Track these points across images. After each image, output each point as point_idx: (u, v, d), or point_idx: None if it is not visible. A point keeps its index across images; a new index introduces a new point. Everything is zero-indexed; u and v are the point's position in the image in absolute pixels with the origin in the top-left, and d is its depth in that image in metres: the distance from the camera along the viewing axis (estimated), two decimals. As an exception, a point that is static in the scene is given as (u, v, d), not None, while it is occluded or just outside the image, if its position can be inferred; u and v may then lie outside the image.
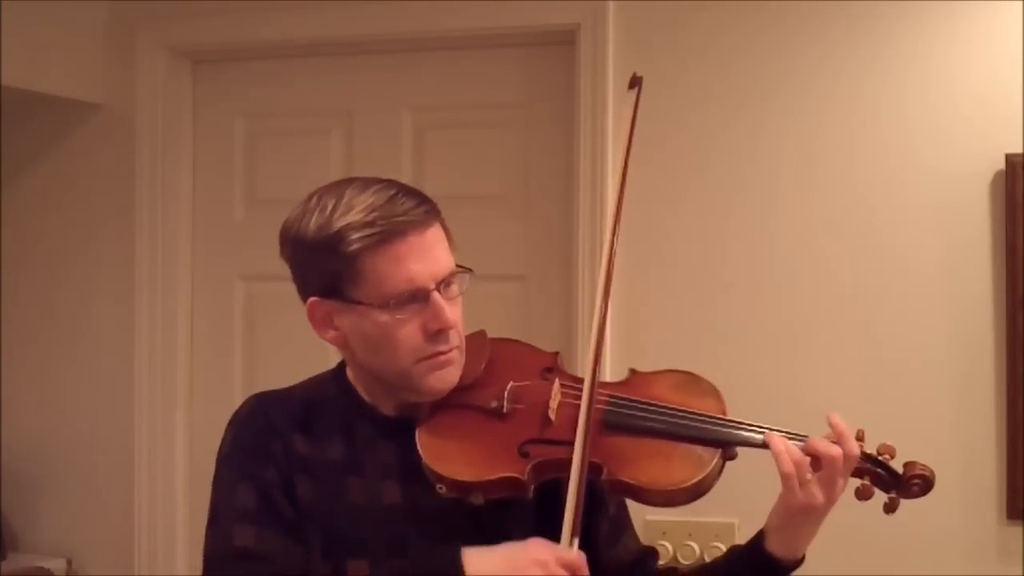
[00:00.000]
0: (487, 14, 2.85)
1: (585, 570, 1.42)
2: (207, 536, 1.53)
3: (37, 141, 3.23)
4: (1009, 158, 2.50)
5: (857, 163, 2.62)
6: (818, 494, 1.48)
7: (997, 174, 2.53)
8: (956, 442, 2.55)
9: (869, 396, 2.58)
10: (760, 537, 1.55)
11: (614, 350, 2.73)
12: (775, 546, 1.53)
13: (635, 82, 1.67)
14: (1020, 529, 2.51)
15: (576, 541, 1.43)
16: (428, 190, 3.20)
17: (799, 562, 1.55)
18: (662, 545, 2.51)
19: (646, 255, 2.74)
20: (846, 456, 1.49)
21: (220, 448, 1.58)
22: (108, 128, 3.15)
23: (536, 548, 1.42)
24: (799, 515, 1.50)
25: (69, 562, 3.14)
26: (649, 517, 2.53)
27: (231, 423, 1.59)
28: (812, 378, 2.62)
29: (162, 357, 3.12)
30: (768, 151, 2.68)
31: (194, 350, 3.18)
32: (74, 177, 3.19)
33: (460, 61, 2.99)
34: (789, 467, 1.48)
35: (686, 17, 2.71)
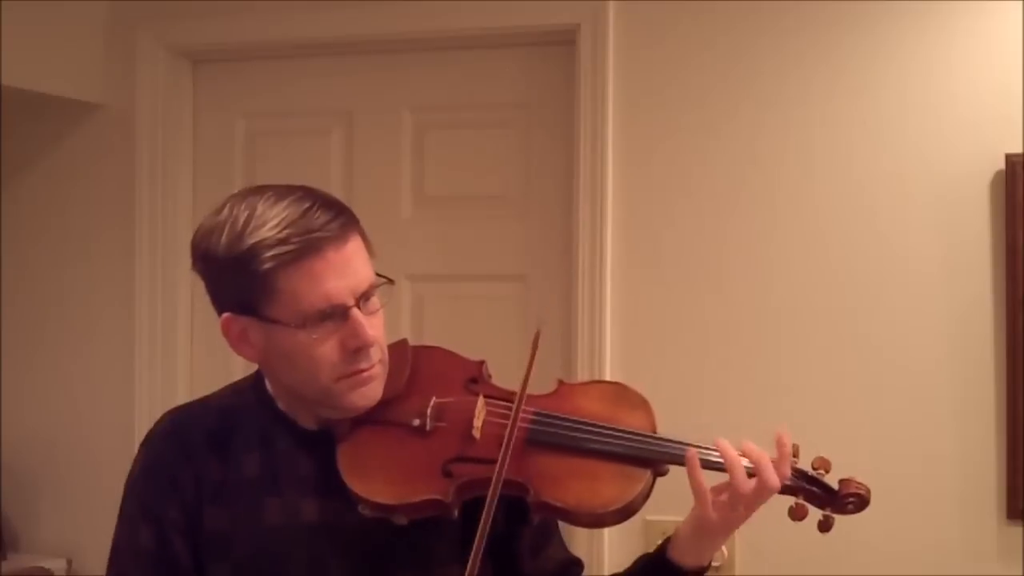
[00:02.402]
0: (487, 14, 2.85)
1: None
2: (107, 569, 1.53)
3: (37, 141, 3.22)
4: (1009, 158, 2.50)
5: (857, 163, 2.62)
6: (738, 512, 1.44)
7: (997, 174, 2.53)
8: (956, 442, 2.55)
9: (869, 396, 2.58)
10: (666, 545, 1.51)
11: (613, 351, 2.73)
12: (682, 554, 1.48)
13: (536, 339, 1.49)
14: (1020, 529, 2.51)
15: None
16: (428, 190, 3.24)
17: (704, 569, 1.50)
18: (662, 545, 2.51)
19: (645, 255, 2.74)
20: (766, 487, 1.43)
21: (132, 470, 1.55)
22: (108, 128, 3.15)
23: None
24: (711, 529, 1.46)
25: (69, 562, 3.14)
26: (649, 517, 2.52)
27: (143, 444, 1.56)
28: (812, 378, 2.62)
29: (162, 357, 3.12)
30: (768, 151, 2.68)
31: (194, 350, 3.18)
32: (74, 177, 3.18)
33: (460, 61, 2.99)
34: (704, 489, 1.43)
35: (686, 17, 2.71)
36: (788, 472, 1.44)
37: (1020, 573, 2.50)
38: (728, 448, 1.45)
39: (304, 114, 3.13)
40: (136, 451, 1.59)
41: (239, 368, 3.11)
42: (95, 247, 3.16)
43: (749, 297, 2.68)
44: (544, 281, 2.92)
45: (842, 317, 2.63)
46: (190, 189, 3.19)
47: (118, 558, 1.52)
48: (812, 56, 2.65)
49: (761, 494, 1.43)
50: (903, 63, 2.59)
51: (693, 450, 1.44)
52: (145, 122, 3.11)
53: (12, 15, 2.87)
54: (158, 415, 3.31)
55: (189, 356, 3.18)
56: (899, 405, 2.57)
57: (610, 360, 2.71)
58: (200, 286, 3.30)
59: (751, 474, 1.44)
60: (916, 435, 2.55)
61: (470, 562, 1.33)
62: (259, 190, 1.47)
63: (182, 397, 3.14)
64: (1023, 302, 2.50)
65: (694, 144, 2.71)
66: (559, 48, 2.86)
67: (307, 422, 1.53)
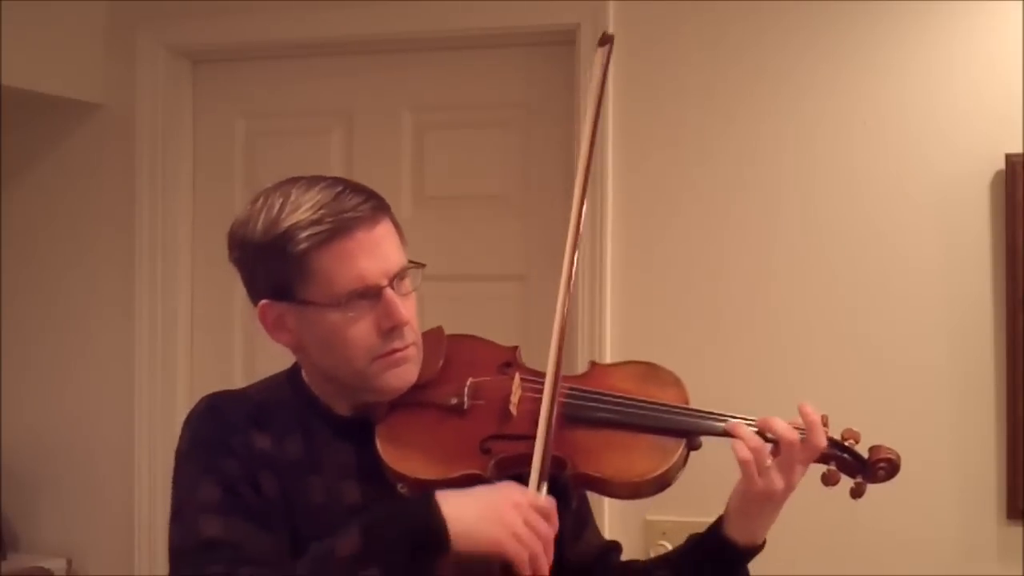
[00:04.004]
0: (487, 14, 2.85)
1: (555, 517, 1.40)
2: (171, 532, 1.47)
3: (37, 141, 3.22)
4: (1009, 158, 2.51)
5: (857, 163, 2.62)
6: (777, 480, 1.47)
7: (997, 174, 2.53)
8: (956, 442, 2.55)
9: (869, 395, 2.58)
10: (719, 523, 1.53)
11: (613, 351, 2.73)
12: (734, 532, 1.51)
13: (606, 40, 1.58)
14: (1020, 529, 2.51)
15: (544, 487, 1.41)
16: (428, 190, 3.24)
17: (759, 548, 1.53)
18: (661, 545, 2.50)
19: (645, 255, 2.74)
20: (809, 444, 1.47)
21: (178, 447, 1.53)
22: (108, 128, 3.15)
23: (510, 490, 1.40)
24: (757, 501, 1.49)
25: (69, 562, 3.14)
26: (649, 517, 2.53)
27: (187, 422, 1.55)
28: (812, 377, 2.62)
29: (162, 357, 3.12)
30: (768, 150, 2.68)
31: (194, 350, 3.18)
32: (74, 177, 3.18)
33: (460, 61, 2.99)
34: (747, 454, 1.46)
35: (686, 17, 2.71)
36: (824, 440, 1.48)
37: (1020, 573, 2.50)
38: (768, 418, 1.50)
39: (304, 114, 3.13)
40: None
41: (239, 368, 3.13)
42: (95, 247, 3.16)
43: (749, 297, 2.68)
44: (544, 281, 2.91)
45: (842, 317, 2.63)
46: (190, 189, 3.19)
47: (183, 516, 1.47)
48: (812, 56, 2.65)
49: (793, 449, 1.47)
50: (903, 63, 2.60)
51: (733, 420, 1.49)
52: (145, 122, 3.11)
53: (12, 15, 2.87)
54: (158, 415, 3.33)
55: (189, 356, 3.18)
56: (899, 405, 2.57)
57: (610, 360, 2.71)
58: (200, 286, 3.30)
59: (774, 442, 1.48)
60: (916, 435, 2.55)
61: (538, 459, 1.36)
62: (292, 180, 1.51)
63: (182, 397, 3.14)
64: (1023, 302, 2.50)
65: (694, 144, 2.71)
66: (559, 48, 2.86)
67: (343, 410, 1.55)
